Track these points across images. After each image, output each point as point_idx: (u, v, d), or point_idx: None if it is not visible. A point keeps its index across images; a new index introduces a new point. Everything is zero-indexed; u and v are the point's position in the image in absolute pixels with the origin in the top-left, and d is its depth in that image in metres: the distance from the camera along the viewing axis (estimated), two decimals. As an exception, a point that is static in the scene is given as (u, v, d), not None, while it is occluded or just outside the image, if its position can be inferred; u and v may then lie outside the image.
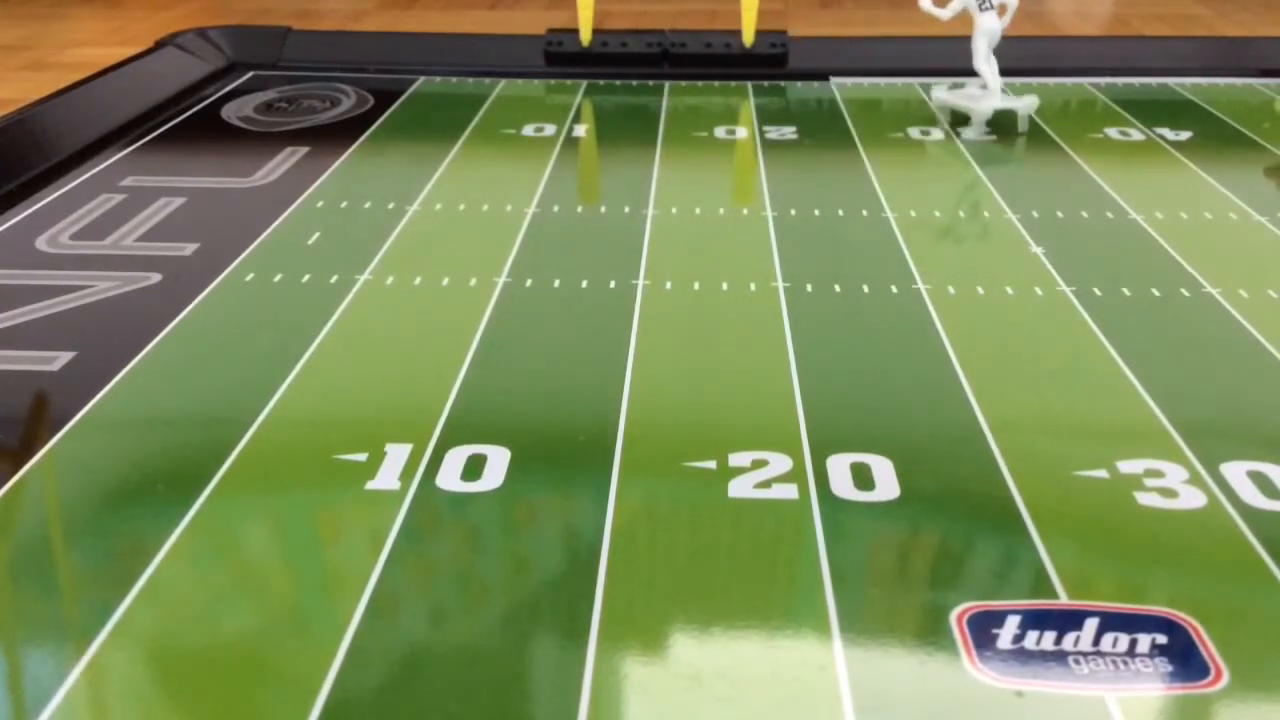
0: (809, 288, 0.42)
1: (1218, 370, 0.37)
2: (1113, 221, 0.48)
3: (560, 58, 0.75)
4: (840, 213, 0.49)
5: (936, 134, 0.61)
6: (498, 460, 0.32)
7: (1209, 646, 0.25)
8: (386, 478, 0.31)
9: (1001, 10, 0.61)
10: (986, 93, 0.62)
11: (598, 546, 0.28)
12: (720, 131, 0.62)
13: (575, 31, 0.74)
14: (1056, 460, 0.32)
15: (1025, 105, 0.61)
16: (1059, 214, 0.49)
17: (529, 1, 1.05)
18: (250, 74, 0.73)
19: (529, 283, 0.43)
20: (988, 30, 0.60)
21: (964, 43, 0.65)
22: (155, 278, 0.43)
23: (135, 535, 0.29)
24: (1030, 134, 0.61)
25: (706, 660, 0.25)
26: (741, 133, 0.62)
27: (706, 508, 0.30)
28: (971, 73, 0.64)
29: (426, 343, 0.38)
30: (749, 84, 0.71)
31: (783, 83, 0.72)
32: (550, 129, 0.62)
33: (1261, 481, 0.30)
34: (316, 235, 0.47)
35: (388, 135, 0.61)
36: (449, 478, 0.31)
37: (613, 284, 0.42)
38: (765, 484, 0.30)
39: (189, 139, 0.61)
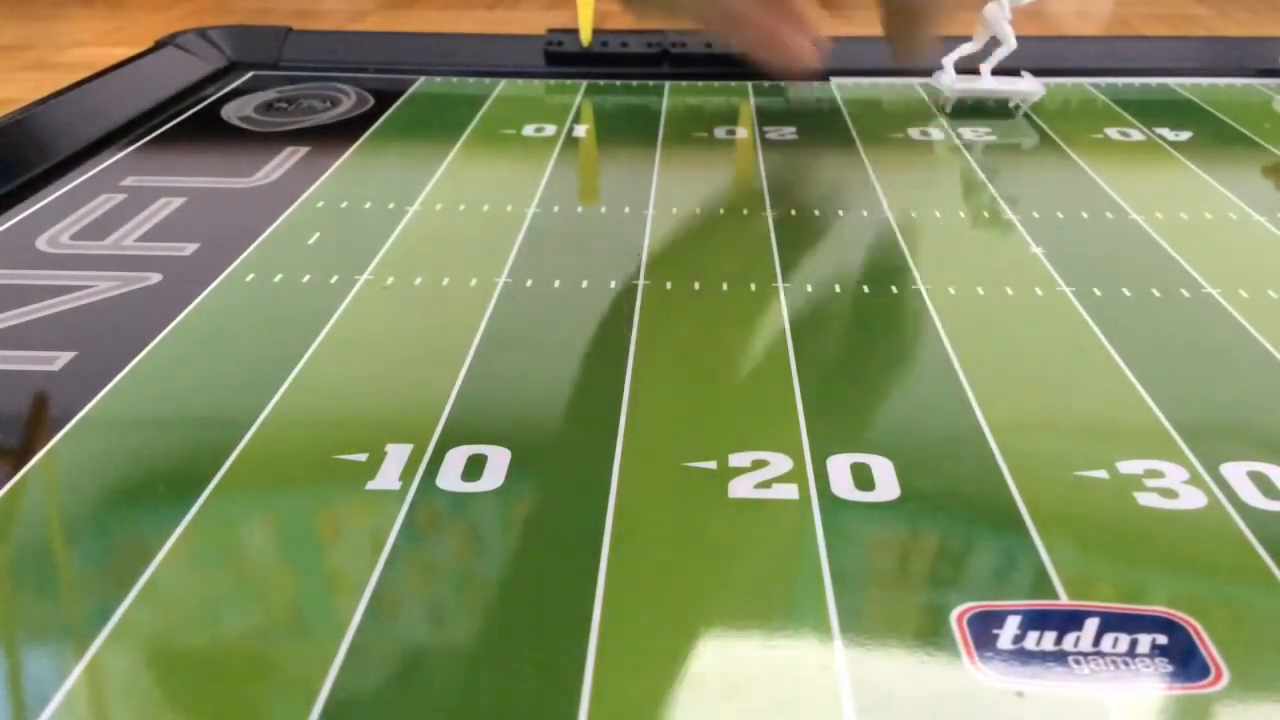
0: (809, 288, 0.42)
1: (1218, 370, 0.37)
2: (1113, 221, 0.48)
3: (560, 58, 0.75)
4: (840, 213, 0.50)
5: (937, 134, 0.61)
6: (498, 460, 0.32)
7: (1209, 647, 0.25)
8: (387, 478, 0.31)
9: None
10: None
11: (598, 547, 0.28)
12: (720, 131, 0.62)
13: (575, 31, 0.74)
14: (1056, 460, 0.32)
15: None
16: (1059, 214, 0.49)
17: (529, 1, 1.05)
18: (250, 74, 0.73)
19: (529, 283, 0.43)
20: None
21: (965, 42, 0.65)
22: (155, 278, 0.43)
23: (135, 535, 0.29)
24: (1030, 134, 0.61)
25: (706, 660, 0.25)
26: (741, 133, 0.62)
27: (706, 508, 0.30)
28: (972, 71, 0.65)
29: (427, 342, 0.38)
30: (749, 84, 0.71)
31: (783, 83, 0.72)
32: (550, 129, 0.62)
33: (1262, 482, 0.30)
34: (317, 235, 0.47)
35: (388, 135, 0.61)
36: (449, 478, 0.31)
37: (613, 284, 0.42)
38: (765, 484, 0.30)
39: (189, 139, 0.61)
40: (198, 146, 0.60)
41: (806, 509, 0.29)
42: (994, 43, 0.64)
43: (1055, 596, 0.26)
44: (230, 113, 0.65)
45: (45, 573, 0.28)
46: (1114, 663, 0.24)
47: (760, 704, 0.23)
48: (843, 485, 0.30)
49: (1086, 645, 0.25)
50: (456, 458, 0.32)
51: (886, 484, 0.30)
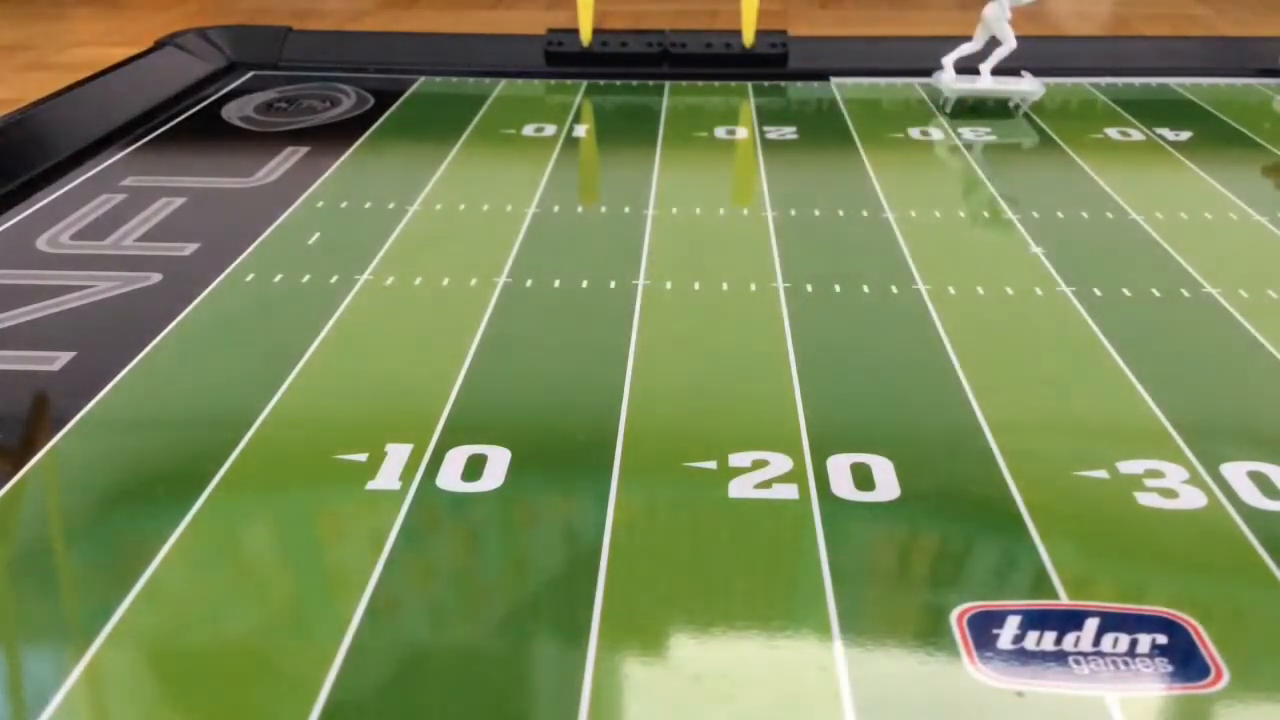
0: (809, 288, 0.42)
1: (1218, 370, 0.37)
2: (1113, 221, 0.48)
3: (560, 58, 0.75)
4: (840, 213, 0.49)
5: (937, 134, 0.61)
6: (498, 460, 0.32)
7: (1209, 647, 0.25)
8: (387, 478, 0.31)
9: None
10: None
11: (598, 547, 0.28)
12: (720, 131, 0.62)
13: (575, 31, 0.74)
14: (1057, 460, 0.32)
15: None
16: (1059, 214, 0.49)
17: (529, 1, 1.05)
18: (250, 74, 0.73)
19: (529, 283, 0.43)
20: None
21: (965, 42, 0.65)
22: (155, 278, 0.43)
23: (135, 535, 0.29)
24: (1030, 134, 0.61)
25: (707, 660, 0.25)
26: (741, 133, 0.62)
27: (707, 508, 0.30)
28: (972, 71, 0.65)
29: (427, 343, 0.38)
30: (749, 84, 0.71)
31: (783, 83, 0.72)
32: (550, 129, 0.62)
33: (1262, 482, 0.30)
34: (316, 235, 0.47)
35: (388, 135, 0.61)
36: (449, 478, 0.31)
37: (613, 284, 0.42)
38: (766, 484, 0.30)
39: (189, 139, 0.61)
40: (198, 146, 0.60)
41: (806, 509, 0.29)
42: (994, 42, 0.64)
43: (1055, 596, 0.26)
44: (230, 113, 0.65)
45: (46, 572, 0.28)
46: (1114, 663, 0.24)
47: (760, 704, 0.23)
48: (843, 485, 0.30)
49: (1086, 645, 0.25)
50: (456, 458, 0.32)
51: (887, 484, 0.30)
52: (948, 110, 0.65)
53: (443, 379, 0.36)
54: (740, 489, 0.30)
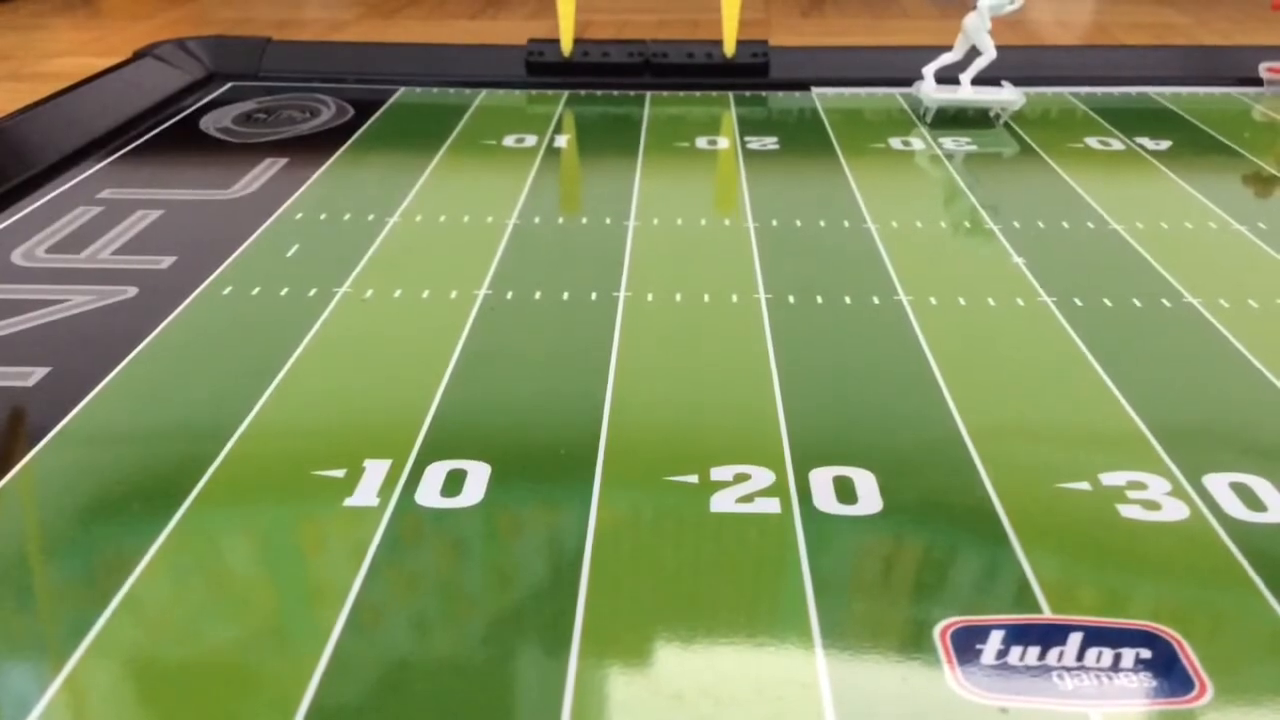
0: (791, 299, 0.42)
1: (1199, 381, 0.37)
2: (1093, 231, 0.48)
3: (541, 68, 0.75)
4: (822, 223, 0.49)
5: (918, 144, 0.61)
6: (478, 475, 0.31)
7: (1193, 660, 0.25)
8: (365, 494, 0.30)
9: None
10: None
11: (579, 562, 0.28)
12: (702, 142, 0.62)
13: (556, 41, 0.74)
14: (1039, 473, 0.31)
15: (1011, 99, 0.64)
16: (1040, 224, 0.49)
17: (510, 12, 1.05)
18: (229, 85, 0.73)
19: (510, 295, 0.42)
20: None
21: (945, 52, 0.65)
22: (132, 291, 0.43)
23: (113, 550, 0.29)
24: (1010, 144, 0.61)
25: (688, 677, 0.24)
26: (723, 143, 0.61)
27: (688, 522, 0.29)
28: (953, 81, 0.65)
29: (406, 356, 0.38)
30: (730, 94, 0.71)
31: (764, 93, 0.72)
32: (531, 139, 0.62)
33: (1244, 493, 0.30)
34: (295, 247, 0.47)
35: (368, 146, 0.61)
36: (429, 493, 0.30)
37: (594, 296, 0.42)
38: (747, 498, 0.30)
39: (167, 150, 0.60)
40: (176, 158, 0.59)
41: (789, 523, 0.29)
42: (974, 52, 0.64)
43: (1038, 610, 0.26)
44: (209, 124, 0.65)
45: (23, 587, 0.28)
46: (1098, 677, 0.24)
47: (743, 722, 0.23)
48: (825, 499, 0.30)
49: (1070, 659, 0.25)
50: (436, 472, 0.31)
51: (869, 497, 0.30)
52: (928, 120, 0.65)
53: (422, 393, 0.35)
54: (722, 503, 0.30)
